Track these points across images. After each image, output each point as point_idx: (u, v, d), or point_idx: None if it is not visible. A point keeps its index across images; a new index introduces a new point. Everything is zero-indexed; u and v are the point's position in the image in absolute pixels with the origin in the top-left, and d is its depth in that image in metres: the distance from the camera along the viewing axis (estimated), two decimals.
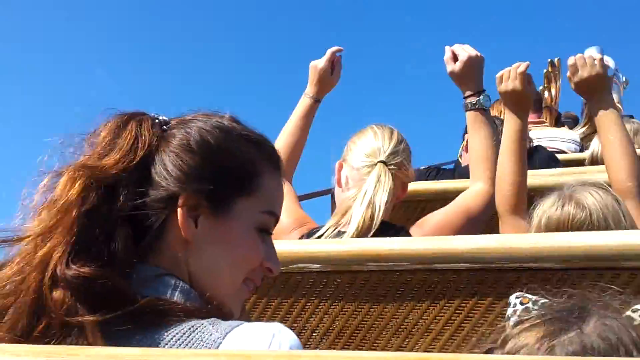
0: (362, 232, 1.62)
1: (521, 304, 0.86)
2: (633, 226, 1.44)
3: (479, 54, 1.93)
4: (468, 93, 1.92)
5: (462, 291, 1.30)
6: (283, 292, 1.40)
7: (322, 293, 1.38)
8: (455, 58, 1.94)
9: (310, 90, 2.12)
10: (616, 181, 1.67)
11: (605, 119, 1.74)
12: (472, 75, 1.92)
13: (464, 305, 1.30)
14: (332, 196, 2.06)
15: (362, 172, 1.74)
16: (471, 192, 1.82)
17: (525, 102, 1.86)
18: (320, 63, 2.13)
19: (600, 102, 1.77)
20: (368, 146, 1.78)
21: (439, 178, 2.78)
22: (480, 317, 1.29)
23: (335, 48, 2.16)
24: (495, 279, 1.28)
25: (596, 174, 2.11)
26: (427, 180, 2.81)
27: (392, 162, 1.75)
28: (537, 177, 2.20)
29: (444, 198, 2.00)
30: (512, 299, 0.88)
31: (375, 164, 1.73)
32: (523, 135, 1.81)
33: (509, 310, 0.87)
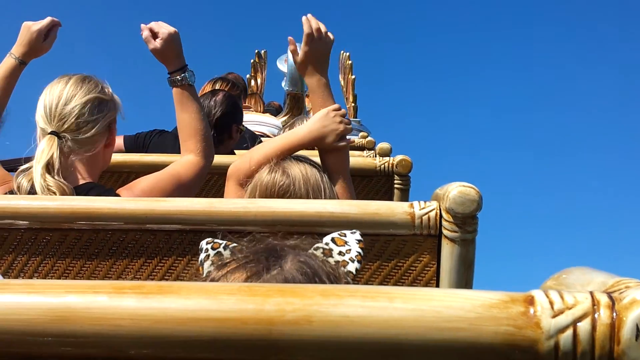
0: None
1: (212, 248, 0.92)
2: (332, 198, 1.61)
3: (175, 29, 1.92)
4: (173, 69, 1.91)
5: (175, 251, 1.34)
6: None
7: (31, 250, 1.33)
8: (154, 35, 1.90)
9: (17, 50, 2.02)
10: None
11: (324, 95, 1.82)
12: (175, 51, 1.92)
13: (176, 264, 1.35)
14: None
15: (40, 137, 1.68)
16: (182, 161, 1.85)
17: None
18: (35, 26, 2.04)
19: (323, 75, 1.83)
20: (41, 108, 1.70)
21: (161, 138, 2.81)
22: (193, 276, 1.35)
23: (56, 20, 2.09)
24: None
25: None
26: (146, 140, 2.84)
27: (64, 129, 1.67)
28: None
29: (155, 171, 2.02)
30: (203, 244, 0.93)
31: (47, 133, 1.67)
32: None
33: (202, 256, 0.92)
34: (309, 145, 1.80)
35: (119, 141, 2.97)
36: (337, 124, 1.77)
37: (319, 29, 1.82)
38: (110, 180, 2.32)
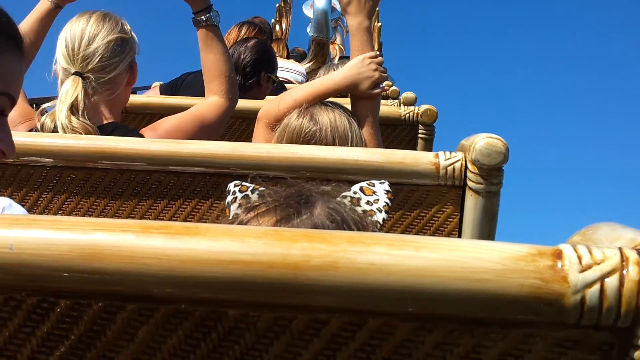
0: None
1: (240, 191, 0.92)
2: (359, 146, 1.60)
3: None
4: (198, 9, 1.87)
5: (198, 193, 1.35)
6: (14, 184, 1.34)
7: (55, 188, 1.34)
8: None
9: None
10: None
11: (363, 40, 1.75)
12: None
13: (199, 206, 1.35)
14: None
15: (62, 78, 1.68)
16: (206, 103, 1.84)
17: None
18: None
19: (367, 18, 1.74)
20: (63, 47, 1.69)
21: (195, 77, 2.79)
22: (215, 219, 1.36)
23: None
24: (229, 183, 1.35)
25: None
26: (179, 82, 2.84)
27: (88, 70, 1.67)
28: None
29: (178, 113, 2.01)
30: (231, 186, 0.93)
31: (71, 74, 1.66)
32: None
33: (229, 198, 0.92)
34: (343, 91, 1.77)
35: (156, 91, 2.96)
36: (373, 71, 1.74)
37: None
38: (134, 122, 2.33)
